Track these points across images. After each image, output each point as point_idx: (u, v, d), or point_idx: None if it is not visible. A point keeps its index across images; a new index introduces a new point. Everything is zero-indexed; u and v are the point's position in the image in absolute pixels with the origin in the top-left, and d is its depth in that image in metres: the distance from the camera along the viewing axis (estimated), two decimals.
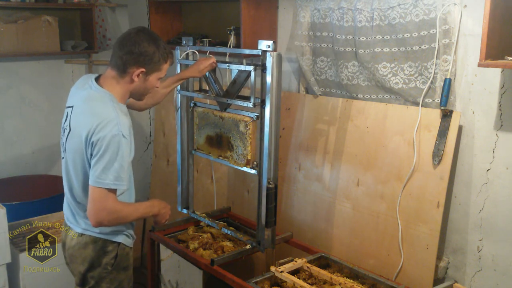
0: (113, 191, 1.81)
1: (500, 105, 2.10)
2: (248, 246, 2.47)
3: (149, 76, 1.92)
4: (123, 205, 1.91)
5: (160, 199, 2.15)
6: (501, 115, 2.10)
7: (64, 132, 1.95)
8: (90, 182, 1.80)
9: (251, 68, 2.23)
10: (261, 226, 2.36)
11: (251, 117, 2.34)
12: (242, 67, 2.29)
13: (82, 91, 1.95)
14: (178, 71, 2.65)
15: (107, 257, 1.98)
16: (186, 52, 2.63)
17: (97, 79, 1.95)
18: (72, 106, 1.95)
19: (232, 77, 2.39)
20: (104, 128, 1.77)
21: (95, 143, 1.78)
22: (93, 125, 1.79)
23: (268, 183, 2.27)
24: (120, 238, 2.00)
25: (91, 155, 1.81)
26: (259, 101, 2.26)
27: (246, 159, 2.39)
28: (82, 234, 1.96)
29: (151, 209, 2.05)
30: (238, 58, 3.03)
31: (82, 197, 1.93)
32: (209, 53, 2.86)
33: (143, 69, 1.88)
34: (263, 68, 2.21)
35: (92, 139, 1.79)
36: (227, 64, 2.42)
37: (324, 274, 2.24)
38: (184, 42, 2.64)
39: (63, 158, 1.98)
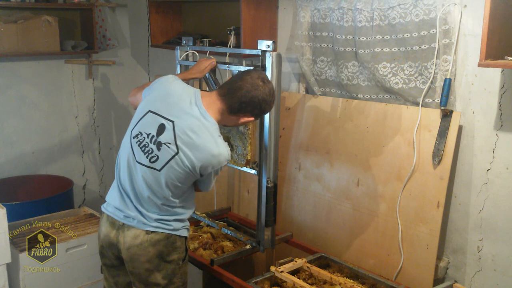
0: None
1: (500, 105, 2.10)
2: (248, 246, 2.47)
3: (250, 122, 2.06)
4: None
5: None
6: (501, 115, 2.10)
7: (161, 146, 1.90)
8: (202, 189, 2.08)
9: (251, 68, 2.23)
10: (261, 226, 2.36)
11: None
12: (242, 68, 2.29)
13: (187, 109, 1.92)
14: (178, 71, 2.66)
15: (178, 253, 2.04)
16: (186, 53, 2.63)
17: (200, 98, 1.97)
18: (172, 121, 1.90)
19: None
20: (216, 164, 1.93)
21: (206, 173, 1.95)
22: (207, 162, 1.90)
23: (268, 182, 2.28)
24: (185, 233, 2.08)
25: (200, 174, 1.96)
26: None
27: (246, 159, 2.39)
28: (152, 232, 1.98)
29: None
30: (238, 58, 3.03)
31: (171, 201, 1.99)
32: (209, 53, 2.86)
33: (252, 118, 2.01)
34: (263, 68, 2.21)
35: (203, 172, 1.93)
36: (227, 65, 2.42)
37: (324, 274, 2.24)
38: (184, 42, 2.64)
39: (145, 165, 1.94)
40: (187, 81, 2.45)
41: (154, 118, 1.93)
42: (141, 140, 1.94)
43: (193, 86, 2.62)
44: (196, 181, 2.04)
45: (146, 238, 1.97)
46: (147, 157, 1.92)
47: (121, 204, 2.02)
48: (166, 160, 1.89)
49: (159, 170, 1.91)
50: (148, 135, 1.92)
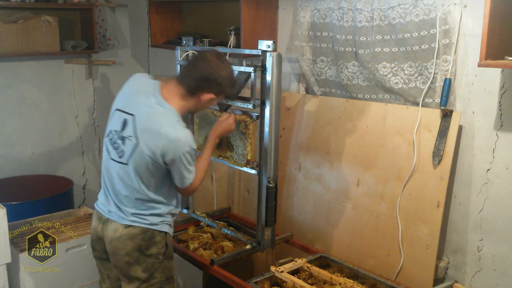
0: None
1: (500, 105, 2.10)
2: (248, 246, 2.47)
3: (213, 100, 2.07)
4: (198, 172, 2.10)
5: (214, 128, 2.31)
6: (501, 115, 2.10)
7: (124, 140, 1.98)
8: (177, 184, 2.05)
9: (251, 69, 2.23)
10: (261, 226, 2.36)
11: (251, 117, 2.34)
12: (242, 69, 2.29)
13: (145, 101, 1.98)
14: (178, 71, 2.65)
15: (157, 247, 2.07)
16: (186, 53, 2.63)
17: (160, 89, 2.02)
18: (133, 115, 1.98)
19: None
20: (176, 150, 1.92)
21: (170, 163, 1.95)
22: (166, 148, 1.91)
23: (268, 182, 2.28)
24: (166, 228, 2.10)
25: (168, 168, 1.98)
26: (259, 102, 2.26)
27: (246, 159, 2.39)
28: (130, 226, 2.04)
29: (213, 144, 2.28)
30: (238, 58, 3.03)
31: (145, 194, 2.02)
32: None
33: (213, 96, 2.02)
34: (263, 69, 2.21)
35: (165, 159, 1.94)
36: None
37: (324, 274, 2.24)
38: (184, 42, 2.64)
39: (115, 160, 2.03)
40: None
41: (119, 115, 2.02)
42: (111, 138, 2.04)
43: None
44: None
45: (125, 232, 2.04)
46: (117, 153, 2.02)
47: (105, 200, 2.12)
48: (130, 153, 1.97)
49: (127, 164, 1.99)
50: (116, 132, 2.02)
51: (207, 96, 2.00)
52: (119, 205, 2.06)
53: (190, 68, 2.02)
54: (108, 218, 2.08)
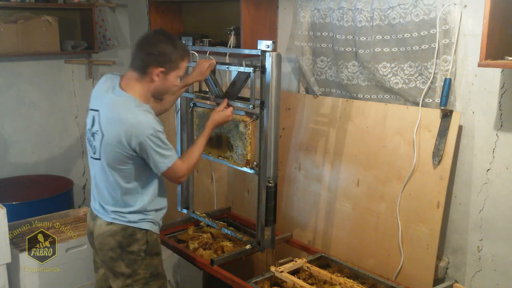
0: (175, 161, 2.03)
1: (500, 105, 2.09)
2: (248, 246, 2.47)
3: (169, 75, 2.02)
4: (187, 158, 2.13)
5: (211, 117, 2.29)
6: (501, 115, 2.10)
7: (94, 135, 2.05)
8: (155, 171, 2.03)
9: (250, 69, 2.23)
10: (261, 226, 2.36)
11: (251, 117, 2.34)
12: (242, 69, 2.29)
13: (106, 95, 2.04)
14: None
15: (138, 244, 2.09)
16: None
17: (119, 82, 2.06)
18: (97, 110, 2.04)
19: (232, 78, 2.39)
20: (139, 134, 1.92)
21: (138, 148, 1.95)
22: (128, 133, 1.93)
23: (268, 182, 2.28)
24: (147, 226, 2.11)
25: (140, 157, 1.99)
26: (259, 102, 2.26)
27: (246, 159, 2.39)
28: (111, 223, 2.08)
29: (209, 133, 2.26)
30: (238, 58, 3.03)
31: (120, 189, 2.06)
32: (209, 53, 2.86)
33: (162, 69, 1.99)
34: (262, 69, 2.21)
35: (132, 145, 1.95)
36: (227, 66, 2.42)
37: (324, 274, 2.24)
38: (184, 42, 2.64)
39: (92, 157, 2.11)
40: (190, 84, 2.47)
41: (90, 113, 2.10)
42: (87, 137, 2.12)
43: (192, 86, 2.63)
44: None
45: (107, 229, 2.09)
46: (92, 150, 2.09)
47: (93, 198, 2.22)
48: (99, 147, 2.02)
49: (100, 159, 2.04)
50: (89, 130, 2.09)
51: (157, 71, 1.98)
52: (101, 202, 2.12)
53: (135, 50, 2.04)
54: (96, 215, 2.15)
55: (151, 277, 2.13)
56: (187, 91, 2.63)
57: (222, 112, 2.30)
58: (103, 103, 2.03)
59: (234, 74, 2.37)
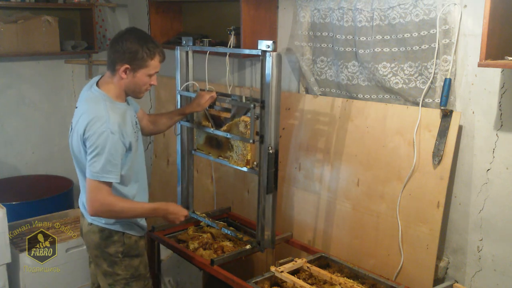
0: (106, 184, 1.93)
1: (500, 105, 2.09)
2: (248, 246, 2.47)
3: (137, 73, 2.03)
4: (118, 200, 2.01)
5: (171, 203, 2.23)
6: (501, 115, 2.10)
7: (71, 131, 2.09)
8: (86, 174, 1.96)
9: (250, 105, 2.26)
10: (261, 226, 2.36)
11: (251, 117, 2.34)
12: (241, 104, 2.33)
13: (85, 93, 2.10)
14: (178, 71, 2.65)
15: (115, 246, 2.11)
16: (186, 52, 2.63)
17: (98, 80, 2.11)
18: (77, 107, 2.10)
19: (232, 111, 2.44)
20: (93, 126, 1.92)
21: (87, 139, 1.94)
22: (85, 123, 1.94)
23: (269, 148, 2.26)
24: (123, 228, 2.12)
25: (85, 151, 1.97)
26: (259, 102, 2.26)
27: (246, 159, 2.39)
28: (91, 224, 2.12)
29: (153, 213, 2.19)
30: (238, 58, 3.03)
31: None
32: (209, 53, 2.86)
33: (127, 66, 2.00)
34: (263, 69, 2.21)
35: (85, 135, 1.95)
36: (227, 99, 2.45)
37: (324, 274, 2.24)
38: (184, 42, 2.64)
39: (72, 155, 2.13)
40: (187, 114, 2.54)
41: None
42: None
43: (193, 117, 2.63)
44: None
45: (88, 229, 2.13)
46: (70, 147, 2.10)
47: (80, 196, 2.23)
48: (71, 141, 2.06)
49: (73, 153, 2.07)
50: (72, 128, 2.11)
51: (123, 68, 1.99)
52: (84, 202, 2.13)
53: (107, 49, 2.08)
54: (82, 213, 2.20)
55: (131, 278, 2.15)
56: (187, 120, 2.64)
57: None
58: (80, 100, 2.09)
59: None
